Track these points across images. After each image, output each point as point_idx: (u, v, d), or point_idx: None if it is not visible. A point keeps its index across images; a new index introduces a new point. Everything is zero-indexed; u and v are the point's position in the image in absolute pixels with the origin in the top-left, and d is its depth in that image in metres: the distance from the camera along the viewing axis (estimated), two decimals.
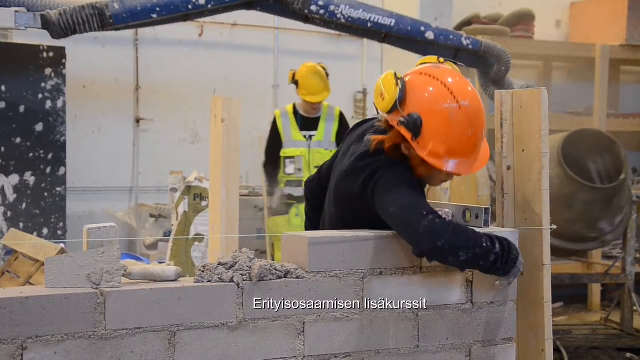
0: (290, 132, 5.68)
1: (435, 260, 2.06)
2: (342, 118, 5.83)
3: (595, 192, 5.26)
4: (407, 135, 2.24)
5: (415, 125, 2.22)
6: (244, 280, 1.83)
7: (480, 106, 2.29)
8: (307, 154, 5.70)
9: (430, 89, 2.27)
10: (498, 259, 2.07)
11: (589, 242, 5.61)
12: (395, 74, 2.29)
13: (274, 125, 5.70)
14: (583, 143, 5.52)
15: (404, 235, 2.09)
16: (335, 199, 2.44)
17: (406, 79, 2.30)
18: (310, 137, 5.73)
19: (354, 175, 2.33)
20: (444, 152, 2.23)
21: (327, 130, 5.73)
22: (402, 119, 2.24)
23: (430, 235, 2.02)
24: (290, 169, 5.64)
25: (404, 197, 2.16)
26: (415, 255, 2.07)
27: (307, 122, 5.69)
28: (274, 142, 5.68)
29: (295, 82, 5.57)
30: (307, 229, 2.73)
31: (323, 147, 5.71)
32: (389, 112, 2.28)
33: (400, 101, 2.26)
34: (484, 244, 2.07)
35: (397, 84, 2.27)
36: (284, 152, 5.63)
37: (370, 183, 2.25)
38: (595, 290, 7.16)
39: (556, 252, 4.69)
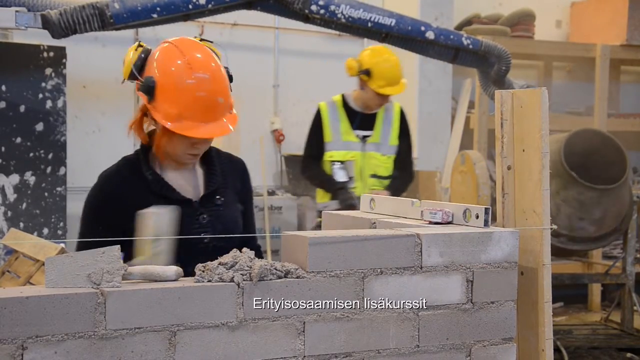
0: (340, 131, 4.66)
1: None
2: (402, 116, 4.87)
3: (596, 193, 5.26)
4: (145, 99, 2.33)
5: (149, 88, 2.30)
6: (244, 280, 1.83)
7: (220, 77, 2.38)
8: (361, 159, 4.66)
9: (166, 54, 2.36)
10: None
11: (589, 243, 5.62)
12: (140, 44, 2.39)
13: (318, 120, 4.70)
14: (584, 143, 5.52)
15: None
16: None
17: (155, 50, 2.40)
18: (365, 137, 4.70)
19: None
20: (175, 114, 2.30)
21: (384, 131, 4.75)
22: (139, 84, 2.33)
23: None
24: (340, 175, 4.57)
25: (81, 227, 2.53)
26: None
27: (363, 120, 4.71)
28: (318, 142, 4.68)
29: (365, 71, 4.62)
30: None
31: (380, 152, 4.70)
32: (129, 78, 2.37)
33: (138, 68, 2.34)
34: None
35: (137, 51, 2.37)
36: (331, 155, 4.64)
37: None
38: (596, 290, 7.17)
39: (556, 252, 4.70)
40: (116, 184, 2.47)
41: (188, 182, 2.52)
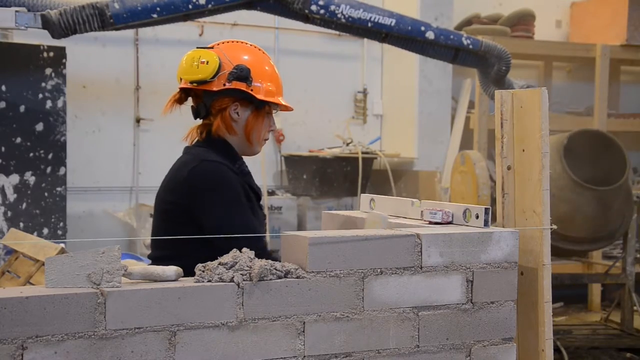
0: None
1: None
2: None
3: (596, 193, 5.26)
4: (242, 85, 2.48)
5: (247, 72, 2.48)
6: (244, 280, 1.83)
7: None
8: None
9: (237, 47, 2.58)
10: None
11: (590, 243, 5.61)
12: (198, 47, 2.57)
13: None
14: (584, 144, 5.52)
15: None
16: (156, 214, 2.58)
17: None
18: None
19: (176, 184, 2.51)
20: (275, 89, 2.55)
21: None
22: (232, 71, 2.47)
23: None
24: None
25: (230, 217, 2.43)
26: None
27: None
28: None
29: None
30: None
31: None
32: (216, 74, 2.49)
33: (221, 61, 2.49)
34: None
35: (212, 49, 2.53)
36: None
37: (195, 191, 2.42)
38: (596, 290, 7.16)
39: (556, 252, 4.69)
40: (234, 169, 2.54)
41: None
